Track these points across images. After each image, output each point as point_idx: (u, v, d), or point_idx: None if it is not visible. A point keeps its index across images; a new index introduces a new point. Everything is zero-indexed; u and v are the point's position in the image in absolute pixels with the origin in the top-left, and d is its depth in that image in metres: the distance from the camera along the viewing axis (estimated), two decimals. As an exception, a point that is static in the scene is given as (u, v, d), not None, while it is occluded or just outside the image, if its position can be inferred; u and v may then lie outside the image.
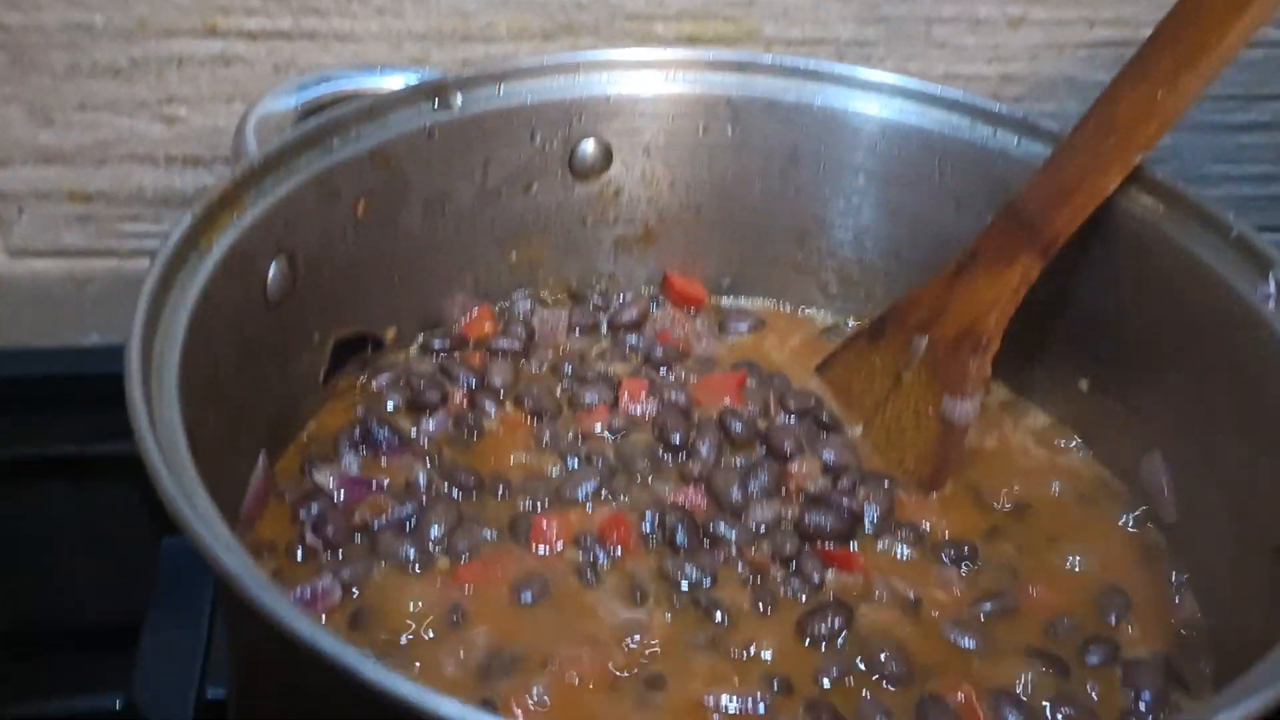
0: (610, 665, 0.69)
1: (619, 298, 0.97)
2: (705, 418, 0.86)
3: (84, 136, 1.07)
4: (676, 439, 0.84)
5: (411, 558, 0.74)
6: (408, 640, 0.70)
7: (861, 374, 0.90)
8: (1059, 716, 0.69)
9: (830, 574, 0.76)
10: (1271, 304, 0.73)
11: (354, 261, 0.83)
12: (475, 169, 0.89)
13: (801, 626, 0.72)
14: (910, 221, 0.94)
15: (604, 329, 0.95)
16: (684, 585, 0.74)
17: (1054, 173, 0.82)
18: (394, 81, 0.87)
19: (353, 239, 0.82)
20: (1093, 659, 0.73)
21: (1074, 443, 0.89)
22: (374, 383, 0.87)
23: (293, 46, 1.06)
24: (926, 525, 0.81)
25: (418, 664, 0.68)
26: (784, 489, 0.82)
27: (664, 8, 1.07)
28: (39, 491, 1.00)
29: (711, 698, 0.68)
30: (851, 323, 0.98)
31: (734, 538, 0.77)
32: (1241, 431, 0.74)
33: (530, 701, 0.66)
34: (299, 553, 0.75)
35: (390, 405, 0.86)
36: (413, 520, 0.76)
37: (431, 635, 0.70)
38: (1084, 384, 0.87)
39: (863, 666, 0.71)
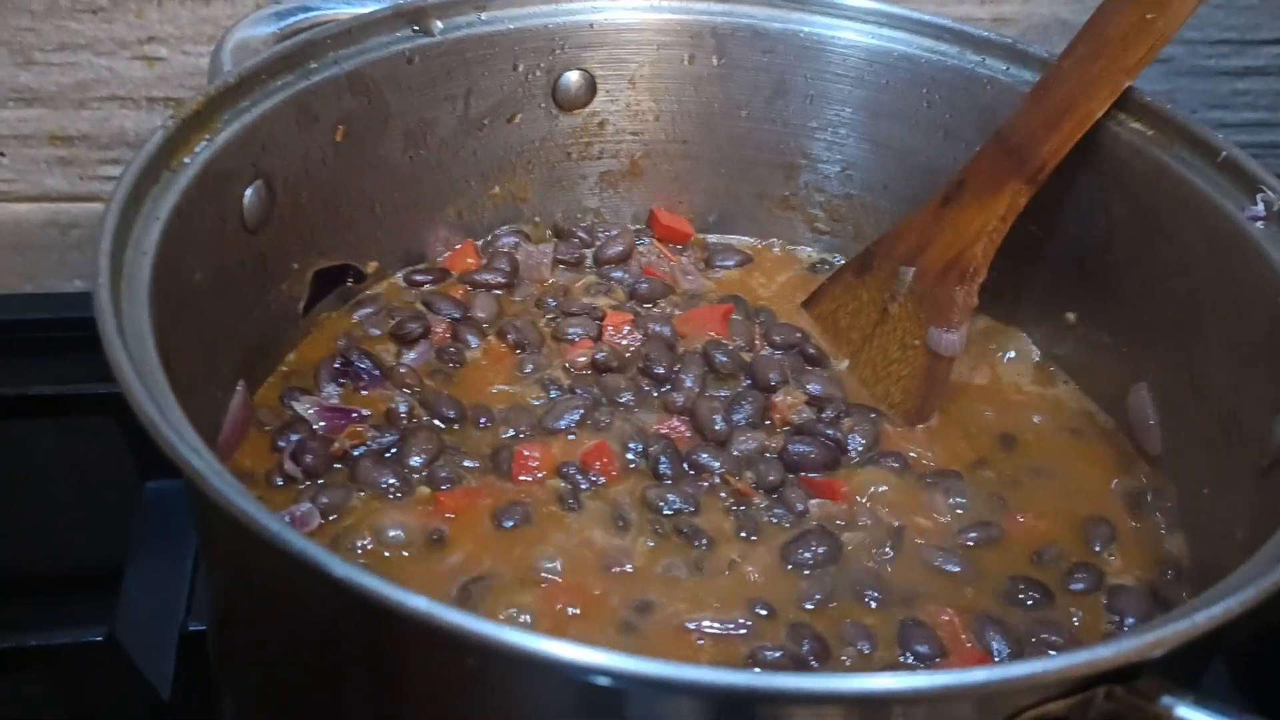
0: (593, 590, 0.68)
1: (604, 233, 0.96)
2: (690, 350, 0.85)
3: (64, 77, 1.06)
4: (660, 370, 0.83)
5: (393, 485, 0.73)
6: (388, 559, 0.69)
7: (848, 308, 0.89)
8: (1042, 640, 0.68)
9: (814, 503, 0.75)
10: (1260, 224, 0.72)
11: (334, 189, 0.82)
12: (457, 98, 0.87)
13: (785, 553, 0.72)
14: (898, 154, 0.93)
15: (589, 264, 0.94)
16: (667, 513, 0.74)
17: (1042, 99, 0.81)
18: (374, 8, 0.85)
19: (333, 165, 0.81)
20: (1077, 586, 0.72)
21: (1061, 376, 0.88)
22: (355, 314, 0.87)
23: (274, -17, 1.05)
24: (912, 455, 0.80)
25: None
26: (768, 420, 0.81)
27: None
28: (24, 434, 0.99)
29: (694, 622, 0.67)
30: (831, 257, 0.97)
31: (717, 467, 0.77)
32: (1229, 352, 0.74)
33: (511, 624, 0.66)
34: (279, 481, 0.74)
35: (372, 336, 0.85)
36: (393, 449, 0.76)
37: (410, 556, 0.69)
38: (1071, 316, 0.87)
39: (845, 591, 0.70)
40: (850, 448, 0.79)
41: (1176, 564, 0.75)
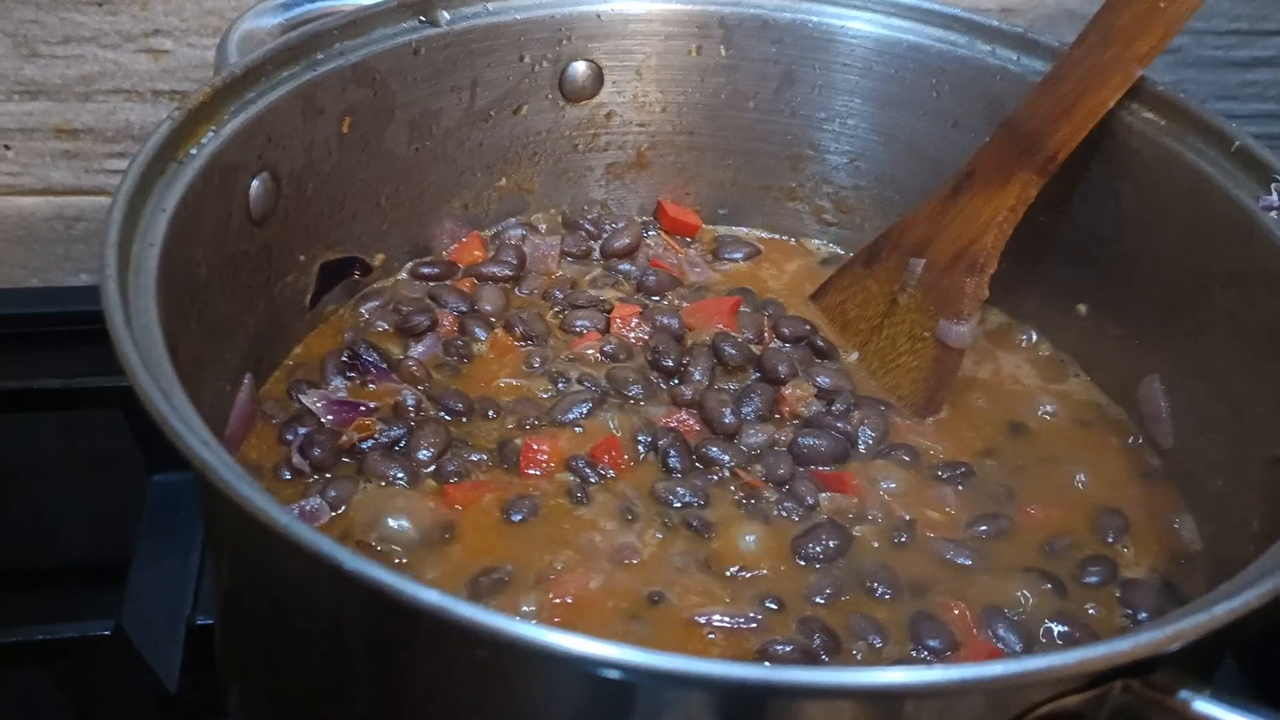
0: (602, 584, 0.68)
1: (611, 225, 0.95)
2: (698, 342, 0.85)
3: (69, 70, 1.06)
4: (669, 363, 0.82)
5: (400, 479, 0.73)
6: (397, 552, 0.68)
7: (857, 299, 0.89)
8: (1055, 633, 0.68)
9: (824, 496, 0.75)
10: (1274, 214, 0.72)
11: (340, 181, 0.82)
12: (463, 89, 0.87)
13: (795, 547, 0.71)
14: (907, 144, 0.92)
15: (596, 256, 0.94)
16: (676, 506, 0.73)
17: (1053, 88, 0.80)
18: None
19: (338, 157, 0.81)
20: (1090, 579, 0.72)
21: (1072, 367, 0.88)
22: (362, 308, 0.86)
23: (279, -25, 1.04)
24: (922, 447, 0.80)
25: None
26: (777, 413, 0.81)
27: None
28: (30, 427, 0.99)
29: (704, 615, 0.67)
30: (839, 249, 0.97)
31: (727, 460, 0.76)
32: (1241, 342, 0.73)
33: (520, 617, 0.65)
34: (286, 474, 0.74)
35: (379, 330, 0.84)
36: (402, 442, 0.75)
37: (419, 553, 0.69)
38: (1082, 308, 0.86)
39: (855, 585, 0.70)
40: (860, 440, 0.79)
41: (1190, 555, 0.75)
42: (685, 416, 0.79)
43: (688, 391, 0.81)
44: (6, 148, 1.09)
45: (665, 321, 0.86)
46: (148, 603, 0.82)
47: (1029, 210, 0.81)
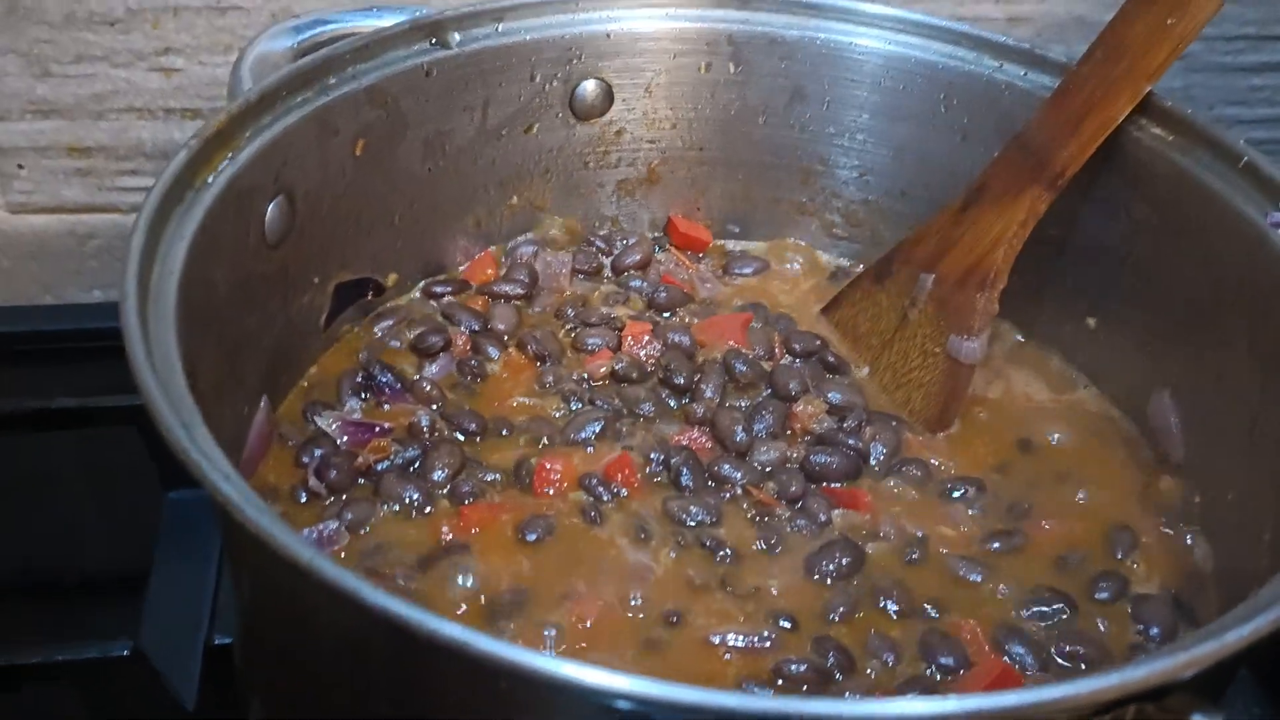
0: (615, 605, 0.69)
1: (622, 241, 0.95)
2: (709, 359, 0.85)
3: (81, 89, 1.07)
4: (680, 380, 0.83)
5: (415, 500, 0.73)
6: (412, 580, 0.69)
7: (868, 314, 0.89)
8: (1067, 651, 0.68)
9: (837, 513, 0.75)
10: (1283, 230, 0.72)
11: (354, 201, 0.82)
12: (475, 108, 0.88)
13: (809, 565, 0.72)
14: (916, 159, 0.92)
15: (608, 272, 0.94)
16: (689, 525, 0.74)
17: (1062, 103, 0.80)
18: (391, 21, 0.85)
19: (352, 178, 0.81)
20: (1102, 594, 0.72)
21: (1082, 381, 0.88)
22: (376, 328, 0.87)
23: (289, -7, 1.05)
24: (934, 463, 0.80)
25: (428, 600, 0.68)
26: (789, 429, 0.81)
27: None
28: (46, 445, 1.00)
29: (718, 635, 0.67)
30: (849, 263, 0.97)
31: (739, 478, 0.77)
32: (1253, 357, 0.73)
33: (536, 640, 0.66)
34: (302, 496, 0.74)
35: (393, 349, 0.85)
36: (417, 463, 0.76)
37: (435, 574, 0.69)
38: (1092, 322, 0.86)
39: (869, 603, 0.70)
40: (872, 457, 0.79)
41: (1201, 570, 0.75)
42: (697, 434, 0.80)
43: (699, 409, 0.81)
44: (20, 167, 1.10)
45: (676, 339, 0.86)
46: (165, 620, 0.82)
47: (1039, 223, 0.81)
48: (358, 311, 0.87)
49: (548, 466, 0.76)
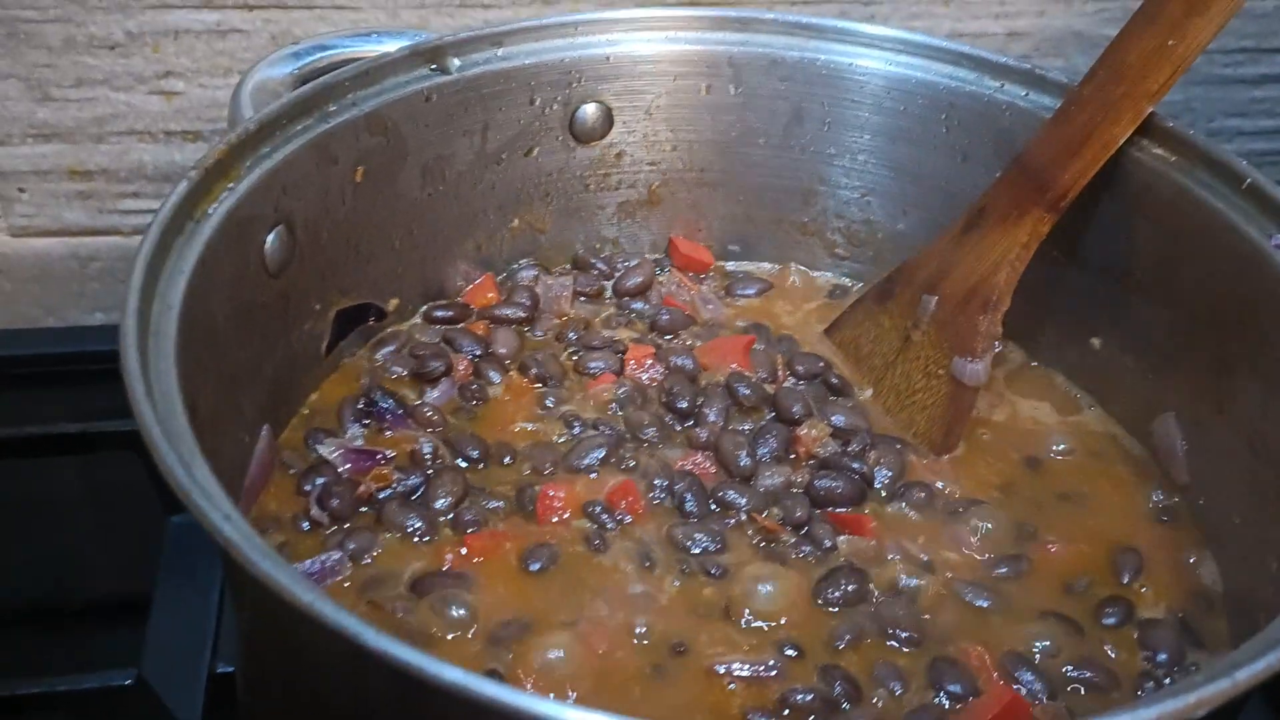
0: (620, 635, 0.68)
1: (624, 264, 0.95)
2: (712, 382, 0.85)
3: (82, 112, 1.07)
4: (683, 404, 0.83)
5: (418, 529, 0.73)
6: (414, 613, 0.69)
7: (870, 335, 0.89)
8: (1076, 678, 0.68)
9: (842, 539, 0.75)
10: (1287, 253, 0.72)
11: (354, 228, 0.82)
12: (474, 133, 0.87)
13: (815, 592, 0.71)
14: (917, 179, 0.92)
15: (609, 295, 0.94)
16: (694, 552, 0.73)
17: (1063, 124, 0.80)
18: (391, 47, 0.85)
19: (352, 205, 0.81)
20: (1109, 620, 0.72)
21: (1087, 401, 0.88)
22: (377, 354, 0.87)
23: (289, 16, 1.05)
24: (939, 486, 0.80)
25: (428, 632, 0.68)
26: (793, 453, 0.81)
27: (666, -36, 1.05)
28: (47, 470, 0.99)
29: (723, 665, 0.67)
30: (851, 282, 0.97)
31: (743, 504, 0.76)
32: (1258, 380, 0.73)
33: (540, 670, 0.65)
34: (305, 525, 0.74)
35: (394, 376, 0.85)
36: (419, 491, 0.76)
37: (438, 603, 0.69)
38: (1096, 342, 0.86)
39: (875, 630, 0.70)
40: (877, 481, 0.79)
41: (1208, 594, 0.74)
42: (701, 459, 0.80)
43: (703, 433, 0.81)
44: (21, 190, 1.10)
45: (679, 362, 0.86)
46: (168, 647, 0.82)
47: (1041, 243, 0.81)
48: (359, 337, 0.87)
49: (551, 494, 0.76)
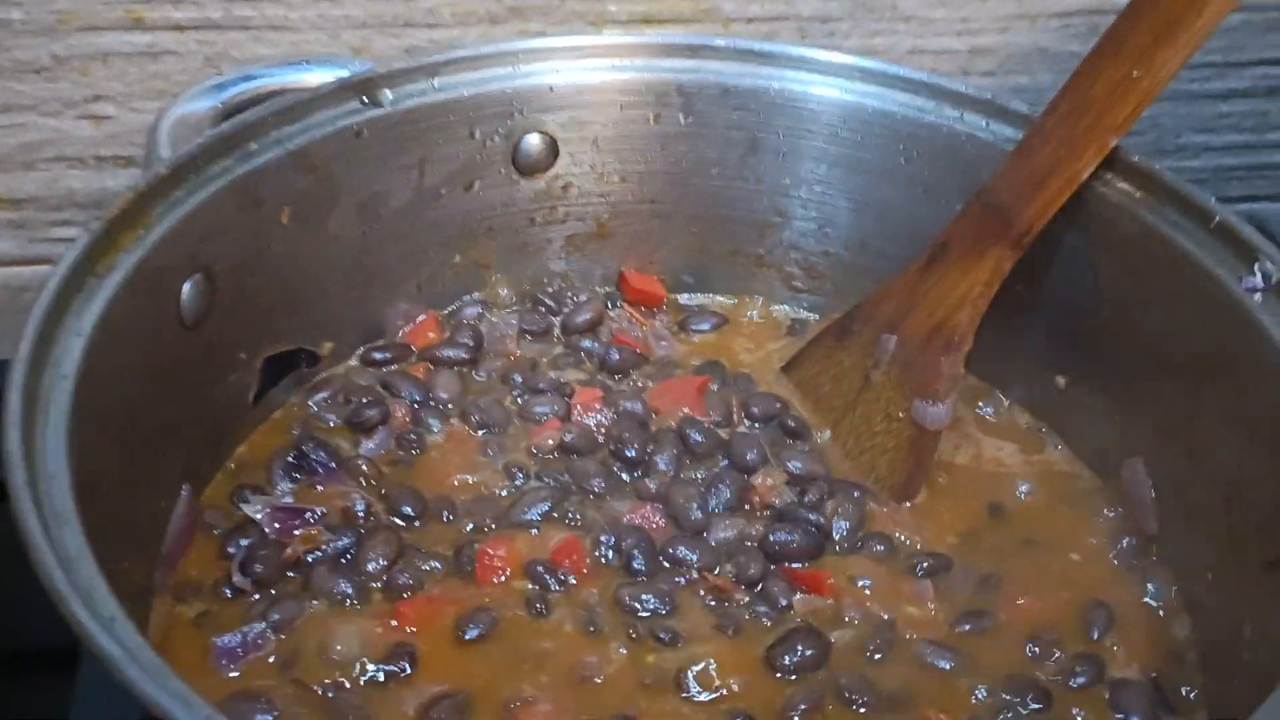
0: (565, 709, 0.64)
1: (572, 299, 0.91)
2: (663, 428, 0.81)
3: (9, 139, 1.03)
4: (632, 453, 0.79)
5: (349, 594, 0.69)
6: (345, 687, 0.65)
7: (829, 374, 0.85)
8: (1043, 746, 0.65)
9: (798, 598, 0.71)
10: (1258, 297, 0.69)
11: (283, 272, 0.78)
12: (411, 169, 0.83)
13: (769, 658, 0.68)
14: (876, 211, 0.89)
15: (557, 333, 0.90)
16: (643, 615, 0.70)
17: (1026, 158, 0.77)
18: (322, 77, 0.81)
19: (280, 249, 0.77)
20: (1078, 680, 0.69)
21: (1053, 441, 0.84)
22: (310, 400, 0.82)
23: (224, 38, 1.01)
24: (899, 537, 0.76)
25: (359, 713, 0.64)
26: (748, 504, 0.77)
27: (616, -14, 1.02)
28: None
29: (673, 739, 0.63)
30: (810, 316, 0.94)
31: (695, 560, 0.73)
32: (1230, 426, 0.70)
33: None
34: (228, 592, 0.70)
35: (328, 424, 0.81)
36: (350, 553, 0.71)
37: (370, 680, 0.65)
38: (1061, 380, 0.83)
39: (833, 696, 0.66)
40: (835, 532, 0.76)
41: (1181, 651, 0.71)
42: (650, 511, 0.76)
43: (652, 484, 0.77)
44: (-53, 220, 1.05)
45: (629, 407, 0.82)
46: (98, 697, 0.78)
47: (1005, 279, 0.78)
48: (291, 384, 0.82)
49: (491, 553, 0.72)
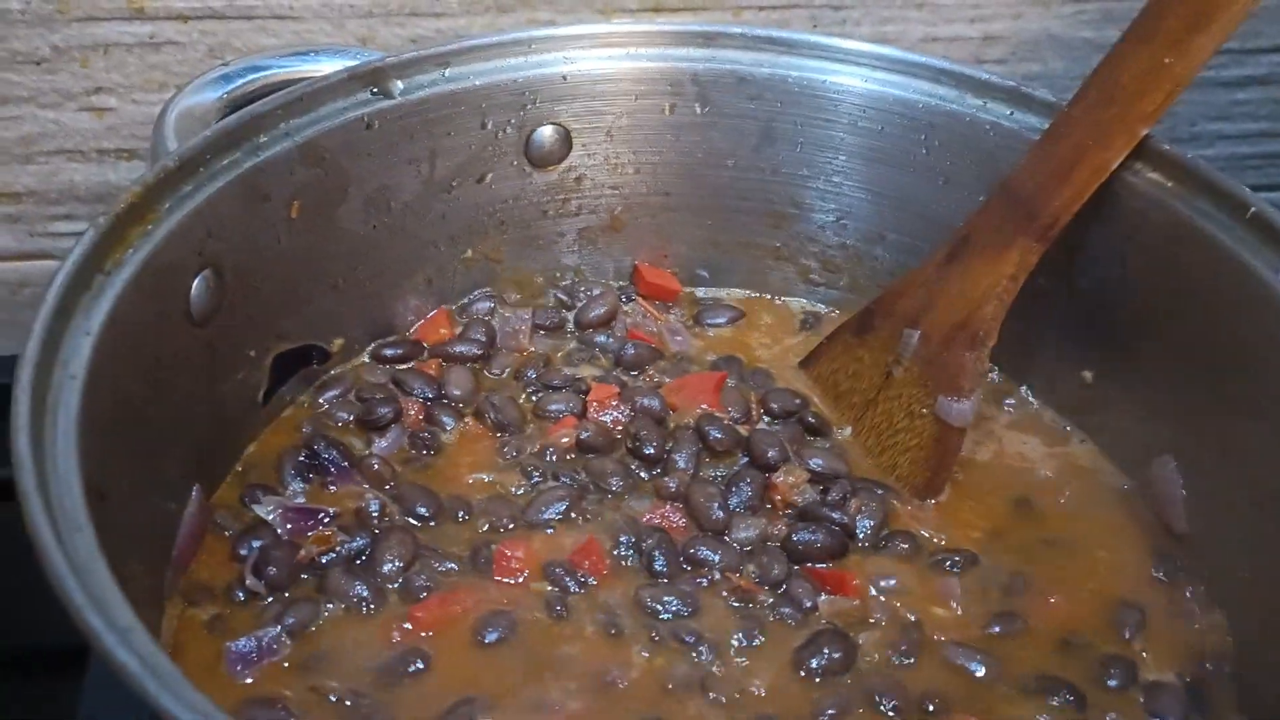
0: (586, 714, 0.63)
1: (585, 293, 0.89)
2: (681, 425, 0.80)
3: (7, 132, 1.01)
4: (650, 450, 0.77)
5: (364, 597, 0.67)
6: (361, 692, 0.63)
7: (849, 370, 0.84)
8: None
9: (823, 599, 0.70)
10: (1295, 288, 0.67)
11: (291, 268, 0.76)
12: (421, 161, 0.81)
13: (795, 661, 0.66)
14: (895, 202, 0.87)
15: (571, 328, 0.88)
16: (664, 617, 0.68)
17: (1051, 147, 0.75)
18: (329, 67, 0.79)
19: (287, 244, 0.75)
20: (1111, 682, 0.67)
21: (1078, 436, 0.83)
22: (321, 398, 0.81)
23: (227, 27, 0.99)
24: (923, 535, 0.75)
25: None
26: (769, 503, 0.75)
27: (625, -27, 1.00)
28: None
29: (698, 745, 0.62)
30: (827, 310, 0.92)
31: (717, 561, 0.71)
32: (1265, 423, 0.68)
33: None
34: (240, 595, 0.68)
35: (339, 423, 0.79)
36: (365, 554, 0.70)
37: (387, 685, 0.63)
38: (1088, 375, 0.81)
39: (861, 700, 0.65)
40: (858, 531, 0.74)
41: (1216, 652, 0.70)
42: (670, 511, 0.74)
43: (672, 483, 0.75)
44: (-55, 214, 1.04)
45: (646, 403, 0.80)
46: (107, 699, 0.76)
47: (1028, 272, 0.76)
48: (301, 382, 0.81)
49: (508, 553, 0.70)
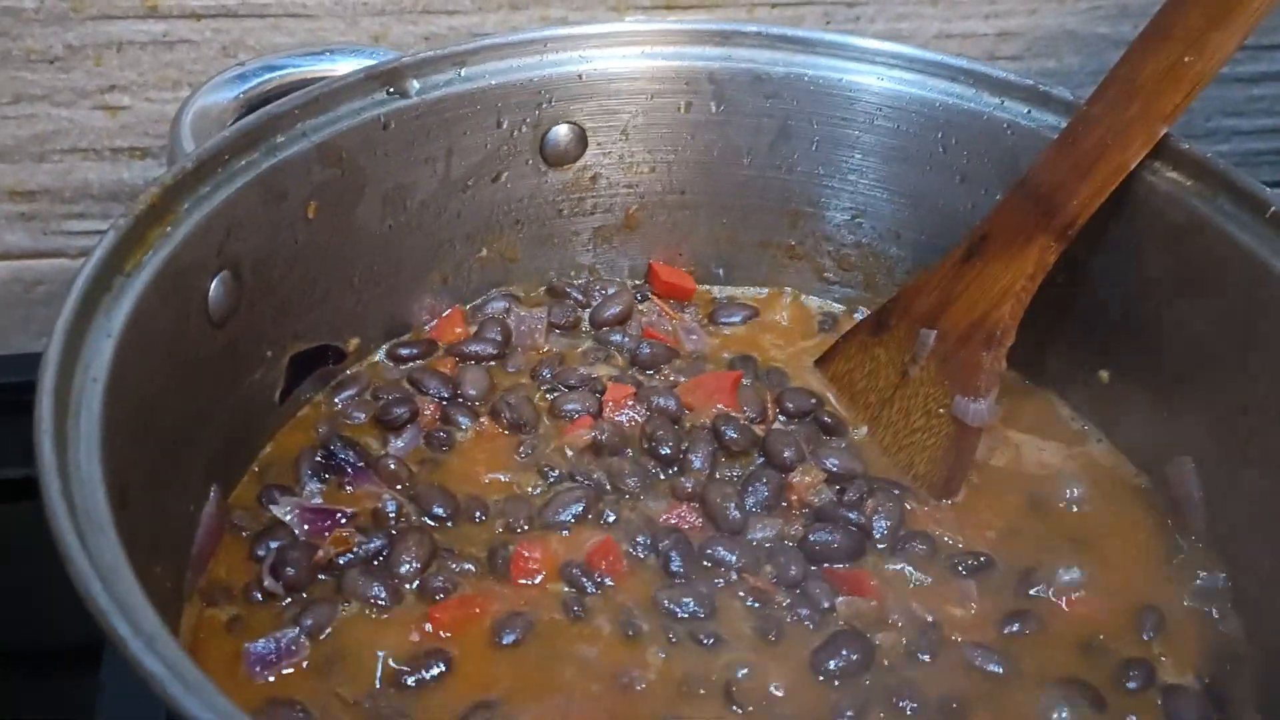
0: (606, 715, 0.63)
1: (601, 292, 0.89)
2: (697, 424, 0.80)
3: (21, 130, 1.01)
4: (667, 450, 0.77)
5: (382, 598, 0.67)
6: (380, 693, 0.63)
7: (864, 369, 0.84)
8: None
9: (840, 600, 0.70)
10: (1319, 290, 0.67)
11: (308, 267, 0.76)
12: (437, 159, 0.81)
13: (813, 662, 0.66)
14: (912, 201, 0.87)
15: (586, 327, 0.88)
16: (681, 618, 0.68)
17: (1070, 146, 0.75)
18: (345, 66, 0.79)
19: (305, 243, 0.75)
20: (1130, 684, 0.67)
21: (1095, 435, 0.82)
22: (337, 398, 0.81)
23: (240, 25, 1.00)
24: (940, 536, 0.75)
25: None
26: (785, 502, 0.75)
27: (640, -29, 1.00)
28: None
29: (716, 747, 0.62)
30: (843, 309, 0.92)
31: (734, 561, 0.71)
32: (1281, 424, 0.68)
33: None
34: (258, 596, 0.68)
35: (355, 422, 0.79)
36: (382, 555, 0.70)
37: (406, 686, 0.63)
38: (1105, 375, 0.81)
39: (880, 702, 0.65)
40: (876, 532, 0.74)
41: (1235, 653, 0.69)
42: (686, 511, 0.74)
43: (688, 483, 0.75)
44: (-42, 213, 1.04)
45: (661, 403, 0.80)
46: (123, 696, 0.77)
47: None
48: (317, 381, 0.81)
49: (526, 554, 0.70)
